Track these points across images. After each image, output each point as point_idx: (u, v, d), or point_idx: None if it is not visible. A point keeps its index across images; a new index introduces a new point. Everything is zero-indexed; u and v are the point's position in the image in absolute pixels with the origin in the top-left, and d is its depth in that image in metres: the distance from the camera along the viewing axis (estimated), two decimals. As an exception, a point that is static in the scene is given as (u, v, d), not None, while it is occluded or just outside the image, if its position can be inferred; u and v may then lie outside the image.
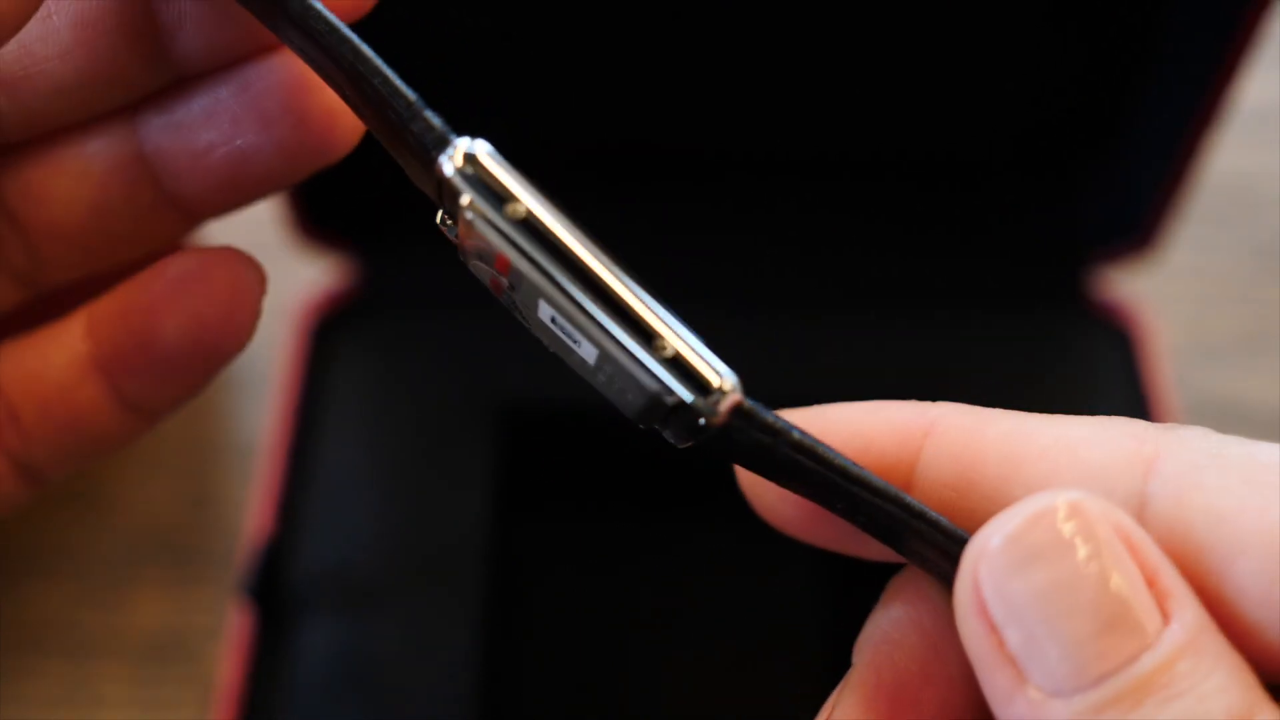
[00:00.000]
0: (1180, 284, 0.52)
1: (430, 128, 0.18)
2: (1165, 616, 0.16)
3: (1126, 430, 0.18)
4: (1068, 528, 0.16)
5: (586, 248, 0.17)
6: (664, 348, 0.17)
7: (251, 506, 0.43)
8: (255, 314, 0.22)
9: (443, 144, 0.18)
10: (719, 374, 0.17)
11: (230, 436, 0.49)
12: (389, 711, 0.37)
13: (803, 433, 0.18)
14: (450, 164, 0.17)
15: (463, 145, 0.17)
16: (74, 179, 0.21)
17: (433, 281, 0.44)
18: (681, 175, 0.45)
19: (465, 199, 0.17)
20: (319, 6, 0.18)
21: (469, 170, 0.17)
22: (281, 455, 0.42)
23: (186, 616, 0.45)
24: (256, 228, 0.52)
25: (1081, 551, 0.16)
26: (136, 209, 0.22)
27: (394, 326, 0.45)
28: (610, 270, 0.17)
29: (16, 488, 0.22)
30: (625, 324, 0.17)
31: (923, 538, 0.18)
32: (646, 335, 0.17)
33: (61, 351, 0.22)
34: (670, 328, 0.17)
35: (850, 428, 0.20)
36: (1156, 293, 0.49)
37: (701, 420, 0.17)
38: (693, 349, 0.17)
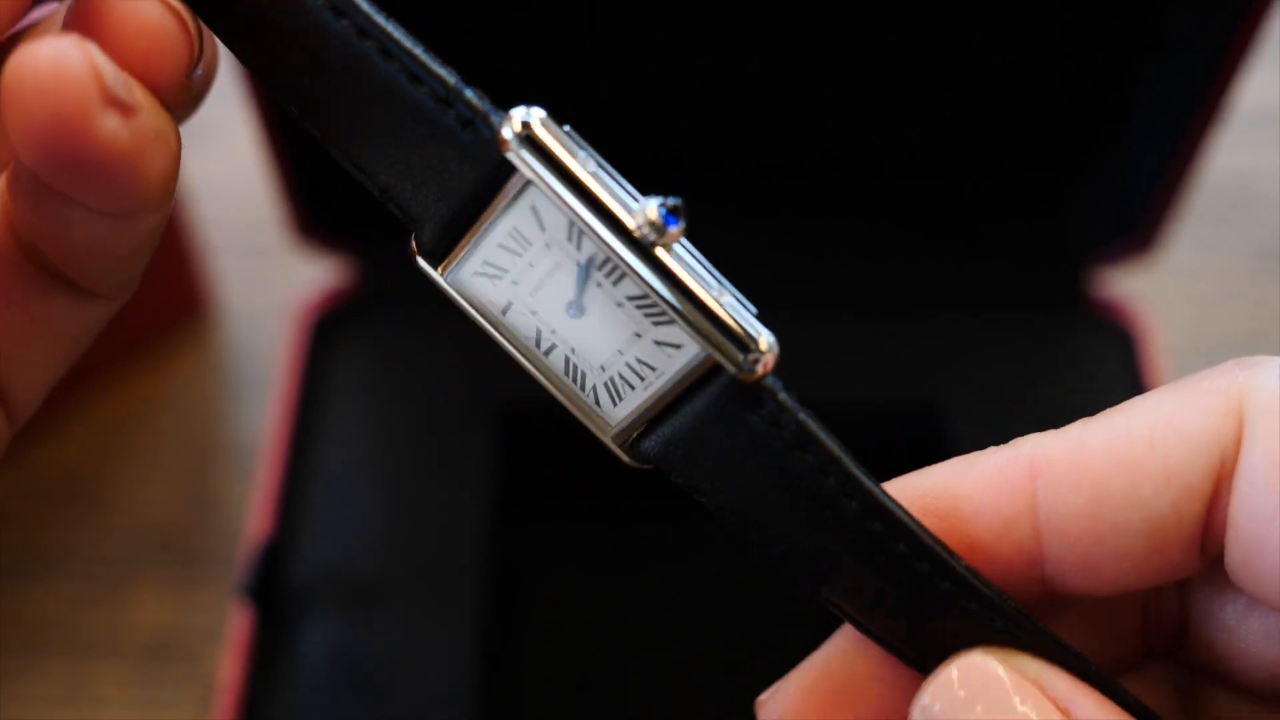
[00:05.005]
0: (1180, 284, 0.52)
1: (474, 106, 0.17)
2: None
3: (1210, 387, 0.18)
4: (972, 689, 0.18)
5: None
6: (712, 302, 0.17)
7: (251, 506, 0.43)
8: (189, 45, 0.18)
9: (490, 121, 0.17)
10: (757, 334, 0.17)
11: (230, 436, 0.49)
12: (388, 711, 0.37)
13: (808, 414, 0.18)
14: (510, 130, 0.17)
15: (518, 115, 0.17)
16: None
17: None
18: (680, 176, 0.45)
19: (526, 167, 0.17)
20: None
21: (526, 135, 0.17)
22: (281, 455, 0.42)
23: (186, 616, 0.45)
24: (256, 228, 0.53)
25: (984, 706, 0.18)
26: None
27: (394, 326, 0.45)
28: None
29: None
30: (676, 283, 0.17)
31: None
32: (695, 292, 0.17)
33: None
34: (711, 287, 0.17)
35: (953, 496, 0.19)
36: (1156, 293, 0.49)
37: (736, 378, 0.17)
38: (733, 310, 0.17)
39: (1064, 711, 0.18)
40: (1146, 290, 0.48)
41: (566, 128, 0.17)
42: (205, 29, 0.19)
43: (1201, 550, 0.19)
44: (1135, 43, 0.41)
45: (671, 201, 0.17)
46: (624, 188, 0.17)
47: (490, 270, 0.19)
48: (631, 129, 0.45)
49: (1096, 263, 0.45)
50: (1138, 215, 0.44)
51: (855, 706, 0.20)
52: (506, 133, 0.17)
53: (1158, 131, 0.42)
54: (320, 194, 0.43)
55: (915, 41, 0.42)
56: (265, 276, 0.53)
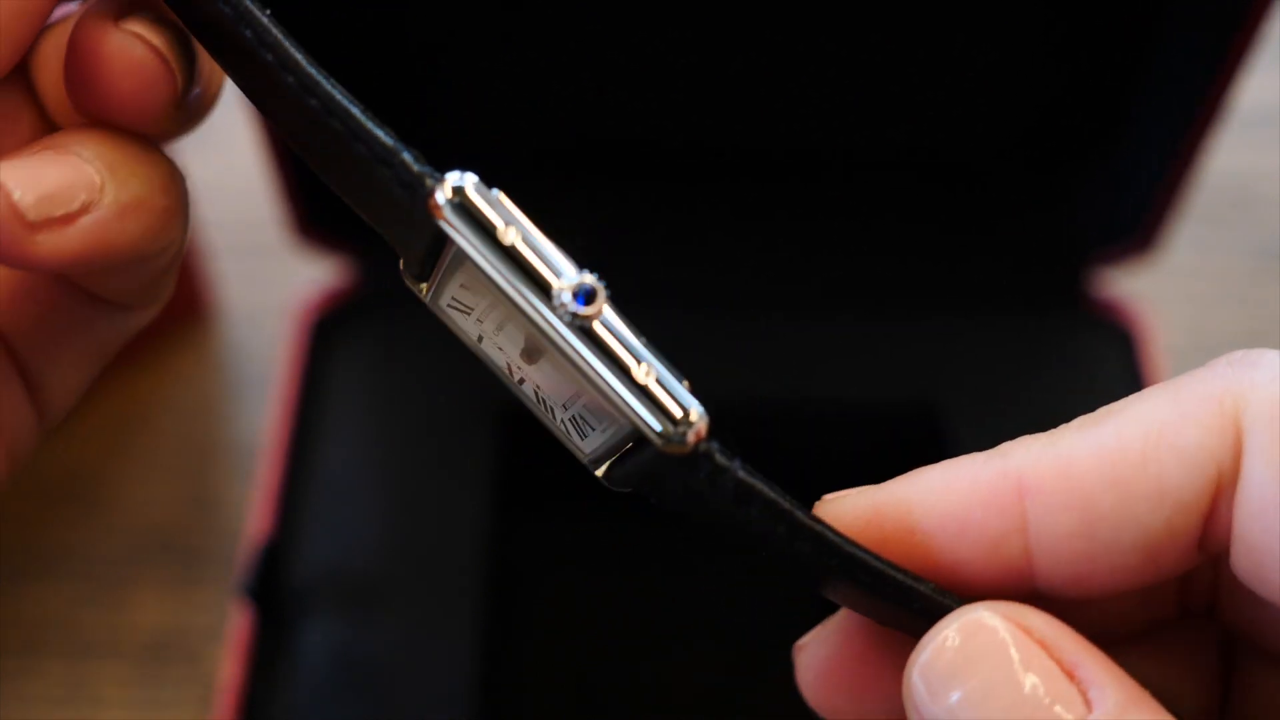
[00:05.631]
0: (1180, 284, 0.52)
1: (409, 168, 0.17)
2: (1089, 706, 0.17)
3: (1202, 392, 0.18)
4: (973, 647, 0.17)
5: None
6: (638, 378, 0.17)
7: (251, 506, 0.43)
8: (165, 84, 0.19)
9: (425, 183, 0.17)
10: (686, 407, 0.17)
11: (230, 436, 0.49)
12: (388, 711, 0.37)
13: (747, 470, 0.17)
14: (442, 196, 0.17)
15: (450, 180, 0.17)
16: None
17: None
18: (678, 177, 0.45)
19: (456, 233, 0.17)
20: (279, 38, 0.18)
21: (458, 202, 0.17)
22: (281, 455, 0.42)
23: (186, 616, 0.45)
24: (257, 228, 0.53)
25: (987, 666, 0.17)
26: None
27: (394, 326, 0.45)
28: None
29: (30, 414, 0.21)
30: (604, 357, 0.17)
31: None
32: (622, 367, 0.17)
33: None
34: (643, 360, 0.17)
35: (939, 515, 0.19)
36: (1156, 293, 0.49)
37: (663, 451, 0.17)
38: (663, 382, 0.17)
39: (1068, 673, 0.17)
40: (1146, 290, 0.48)
41: (496, 192, 0.17)
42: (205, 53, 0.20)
43: (1200, 550, 0.18)
44: (1135, 42, 0.41)
45: (588, 284, 0.17)
46: (550, 260, 0.17)
47: (459, 306, 0.19)
48: (626, 129, 0.45)
49: (1096, 262, 0.45)
50: (1138, 215, 0.44)
51: (897, 648, 0.20)
52: (439, 198, 0.17)
53: (1158, 131, 0.42)
54: (320, 194, 0.43)
55: (915, 39, 0.42)
56: (265, 276, 0.53)
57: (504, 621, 0.42)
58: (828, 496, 0.20)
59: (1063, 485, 0.18)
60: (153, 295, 0.21)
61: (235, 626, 0.39)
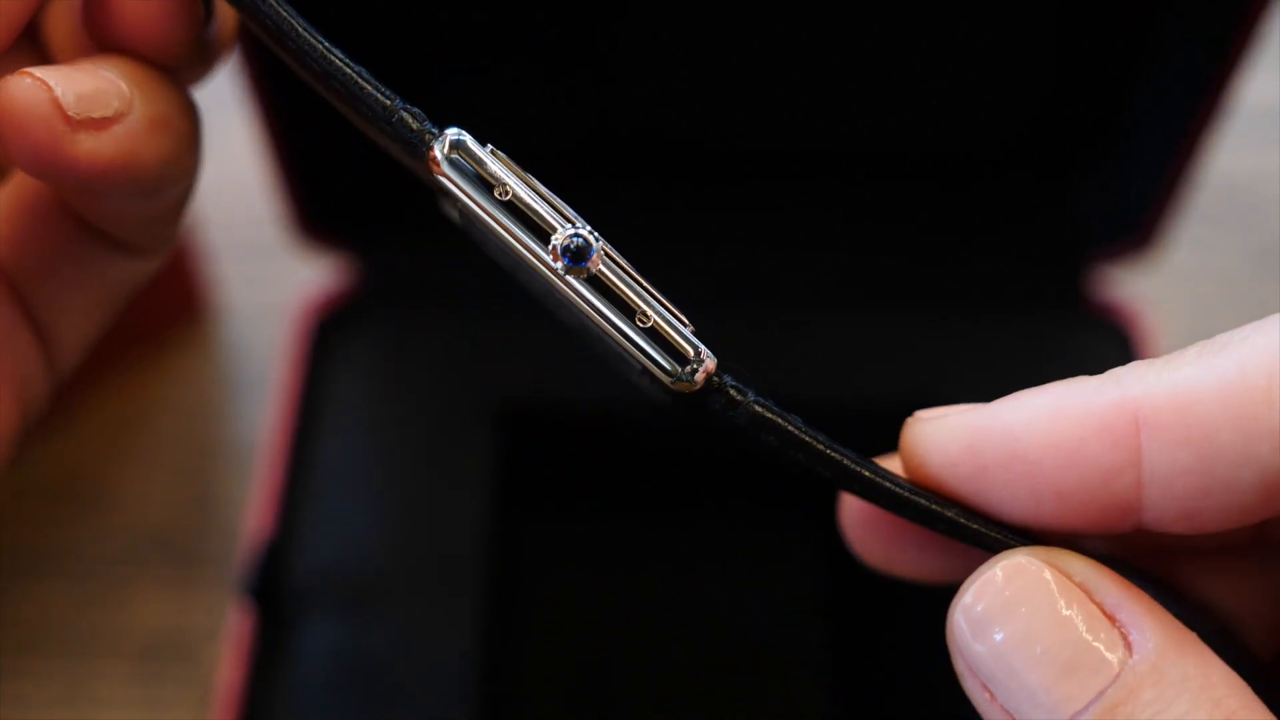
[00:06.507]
0: (1180, 284, 0.52)
1: (408, 126, 0.18)
2: (1130, 650, 0.17)
3: None
4: (1014, 590, 0.17)
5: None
6: (642, 322, 0.18)
7: (251, 506, 0.43)
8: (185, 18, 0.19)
9: (426, 139, 0.18)
10: (694, 346, 0.18)
11: (230, 436, 0.49)
12: (389, 711, 0.37)
13: (763, 403, 0.18)
14: (440, 153, 0.18)
15: (449, 136, 0.18)
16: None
17: (432, 280, 0.44)
18: (677, 174, 0.45)
19: (455, 188, 0.18)
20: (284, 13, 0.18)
21: (455, 159, 0.18)
22: (281, 455, 0.42)
23: (186, 616, 0.45)
24: (257, 228, 0.53)
25: (1028, 609, 0.17)
26: None
27: (394, 326, 0.45)
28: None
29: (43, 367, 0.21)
30: (607, 303, 0.18)
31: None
32: (626, 311, 0.18)
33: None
34: (648, 305, 0.18)
35: (1044, 446, 0.18)
36: (1156, 293, 0.49)
37: (672, 389, 0.18)
38: (668, 324, 0.18)
39: (1110, 617, 0.17)
40: (1146, 290, 0.48)
41: (490, 147, 0.18)
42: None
43: None
44: (1136, 41, 0.41)
45: (583, 235, 0.18)
46: (547, 212, 0.18)
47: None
48: (625, 125, 0.45)
49: (1097, 262, 0.45)
50: (1138, 214, 0.44)
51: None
52: (437, 154, 0.18)
53: (1158, 130, 0.42)
54: (320, 192, 0.43)
55: (917, 36, 0.42)
56: (265, 276, 0.53)
57: (504, 621, 0.42)
58: (921, 414, 0.20)
59: (1181, 419, 0.17)
60: (160, 238, 0.22)
61: (235, 626, 0.39)
